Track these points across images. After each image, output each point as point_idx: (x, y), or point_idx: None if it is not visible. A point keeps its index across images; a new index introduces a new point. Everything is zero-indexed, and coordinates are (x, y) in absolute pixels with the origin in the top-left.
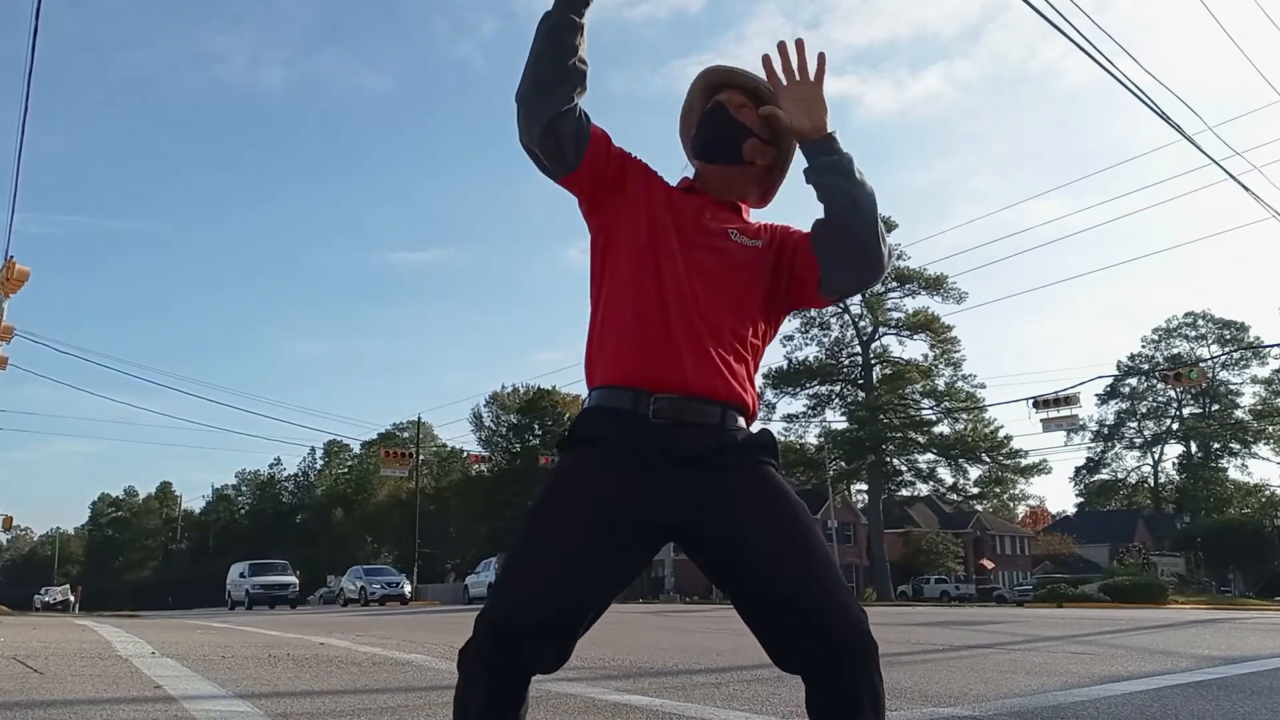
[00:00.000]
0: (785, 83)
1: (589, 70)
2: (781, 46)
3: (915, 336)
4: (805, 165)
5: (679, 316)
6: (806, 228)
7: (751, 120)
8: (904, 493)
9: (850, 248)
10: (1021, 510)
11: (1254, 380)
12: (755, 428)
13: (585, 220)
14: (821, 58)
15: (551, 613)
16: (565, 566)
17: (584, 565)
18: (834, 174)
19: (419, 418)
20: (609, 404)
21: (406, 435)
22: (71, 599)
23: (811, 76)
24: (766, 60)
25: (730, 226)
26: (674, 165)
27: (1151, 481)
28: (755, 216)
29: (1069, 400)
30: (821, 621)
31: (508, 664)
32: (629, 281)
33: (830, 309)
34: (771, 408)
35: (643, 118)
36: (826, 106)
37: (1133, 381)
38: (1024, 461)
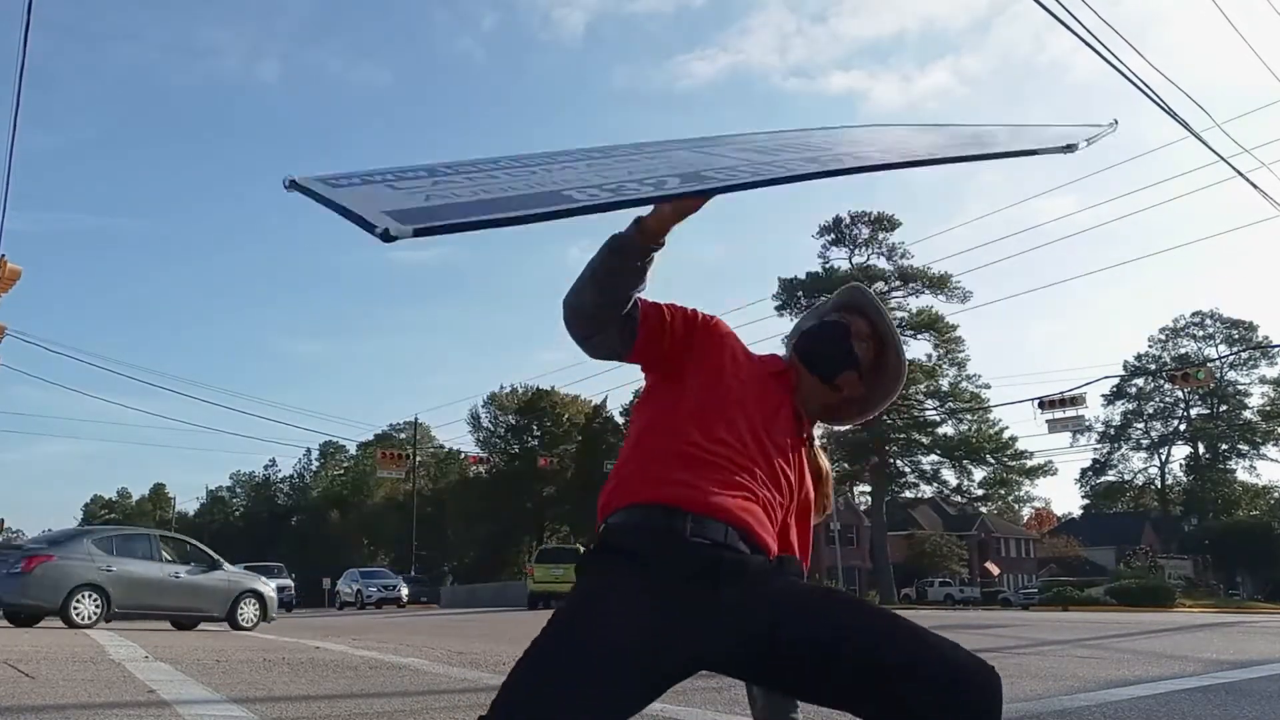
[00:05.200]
0: None
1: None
2: None
3: (919, 336)
4: None
5: (732, 456)
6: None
7: (863, 354)
8: (907, 494)
9: None
10: (1027, 512)
11: (1263, 380)
12: None
13: (643, 372)
14: None
15: None
16: (597, 700)
17: (616, 697)
18: None
19: (416, 418)
20: (641, 520)
21: (404, 436)
22: None
23: None
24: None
25: (792, 442)
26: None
27: (1159, 483)
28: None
29: (1075, 401)
30: (953, 675)
31: None
32: (683, 415)
33: None
34: None
35: (645, 114)
36: None
37: (1140, 382)
38: (1029, 463)
